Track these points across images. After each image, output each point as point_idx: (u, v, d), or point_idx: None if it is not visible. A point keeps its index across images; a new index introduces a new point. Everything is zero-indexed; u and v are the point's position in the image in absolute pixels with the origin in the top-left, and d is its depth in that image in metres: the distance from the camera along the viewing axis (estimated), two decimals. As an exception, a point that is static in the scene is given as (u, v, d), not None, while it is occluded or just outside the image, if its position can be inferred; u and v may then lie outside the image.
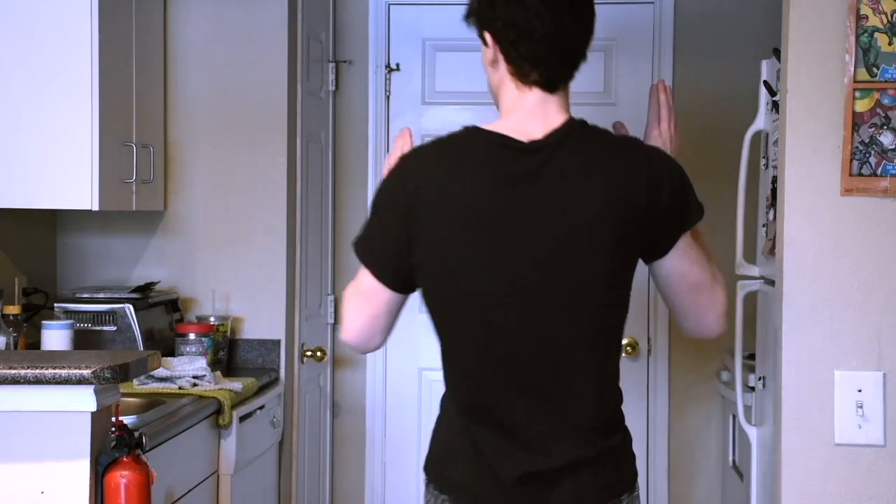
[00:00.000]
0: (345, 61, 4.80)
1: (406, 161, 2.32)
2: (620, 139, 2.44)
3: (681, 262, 2.42)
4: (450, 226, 2.23)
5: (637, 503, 2.34)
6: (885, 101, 2.58)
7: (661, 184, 2.38)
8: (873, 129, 2.58)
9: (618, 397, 2.33)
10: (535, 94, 2.41)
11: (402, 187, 2.27)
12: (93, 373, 2.52)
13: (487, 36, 2.34)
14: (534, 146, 2.33)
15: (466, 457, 2.29)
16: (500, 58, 2.37)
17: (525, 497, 2.25)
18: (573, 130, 2.41)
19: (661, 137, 2.59)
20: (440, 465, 2.35)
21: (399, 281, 2.32)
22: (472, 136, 2.35)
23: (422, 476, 2.39)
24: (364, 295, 2.33)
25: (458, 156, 2.33)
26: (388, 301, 2.34)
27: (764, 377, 3.20)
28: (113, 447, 2.66)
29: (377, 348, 2.42)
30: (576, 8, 2.39)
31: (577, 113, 5.13)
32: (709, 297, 2.38)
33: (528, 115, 2.39)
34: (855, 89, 2.58)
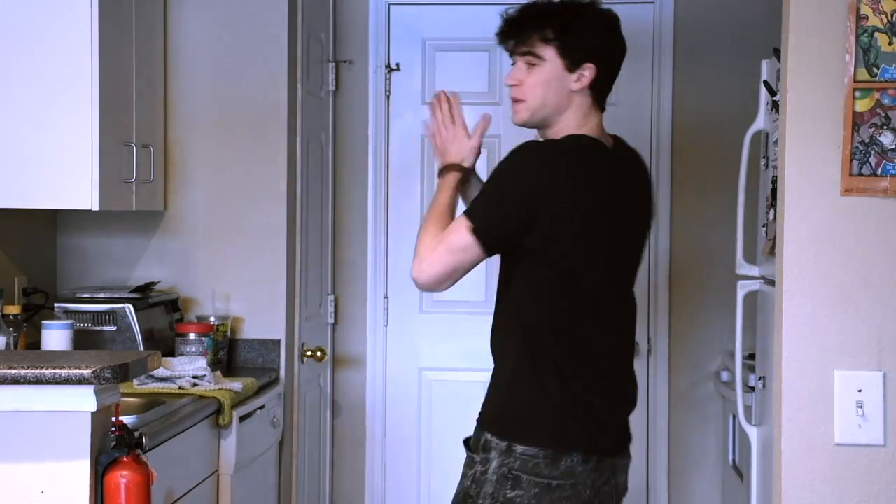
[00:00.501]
0: (345, 61, 4.80)
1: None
2: (631, 151, 2.93)
3: None
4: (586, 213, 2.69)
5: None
6: (885, 101, 2.58)
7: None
8: (873, 129, 2.58)
9: None
10: (600, 115, 2.84)
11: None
12: (93, 373, 2.52)
13: (590, 65, 2.76)
14: (616, 153, 2.84)
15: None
16: (588, 83, 2.77)
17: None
18: (620, 143, 2.90)
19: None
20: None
21: (498, 249, 2.73)
22: (588, 141, 2.77)
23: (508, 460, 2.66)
24: (461, 250, 2.67)
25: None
26: (477, 260, 2.71)
27: (764, 377, 3.20)
28: (113, 447, 2.66)
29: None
30: None
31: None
32: None
33: (601, 130, 2.82)
34: (855, 89, 2.58)
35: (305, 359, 4.47)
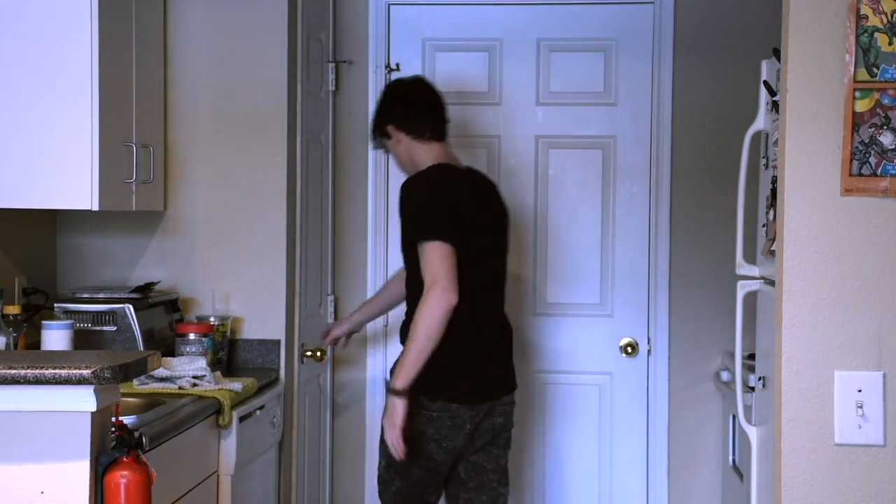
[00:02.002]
0: (345, 61, 4.80)
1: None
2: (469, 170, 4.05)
3: None
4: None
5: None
6: (885, 101, 2.58)
7: None
8: (873, 129, 2.58)
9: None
10: (439, 145, 3.93)
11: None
12: (93, 373, 2.52)
13: (391, 126, 3.92)
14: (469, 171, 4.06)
15: None
16: (404, 136, 3.91)
17: None
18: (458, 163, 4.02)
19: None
20: None
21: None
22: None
23: None
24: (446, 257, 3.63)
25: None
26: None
27: (764, 377, 3.20)
28: (113, 447, 2.66)
29: None
30: None
31: (577, 113, 5.16)
32: None
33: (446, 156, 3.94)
34: (855, 89, 2.58)
35: (305, 359, 4.47)
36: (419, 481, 3.74)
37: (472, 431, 3.72)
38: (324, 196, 4.73)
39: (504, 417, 3.82)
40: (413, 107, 3.88)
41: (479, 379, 3.73)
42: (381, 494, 3.81)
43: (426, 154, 3.84)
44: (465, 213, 3.68)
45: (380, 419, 4.77)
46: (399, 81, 4.05)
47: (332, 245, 4.80)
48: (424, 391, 3.62)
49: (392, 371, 3.69)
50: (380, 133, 3.91)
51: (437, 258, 3.56)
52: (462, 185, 3.78)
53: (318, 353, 4.50)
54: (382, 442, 3.72)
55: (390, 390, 3.62)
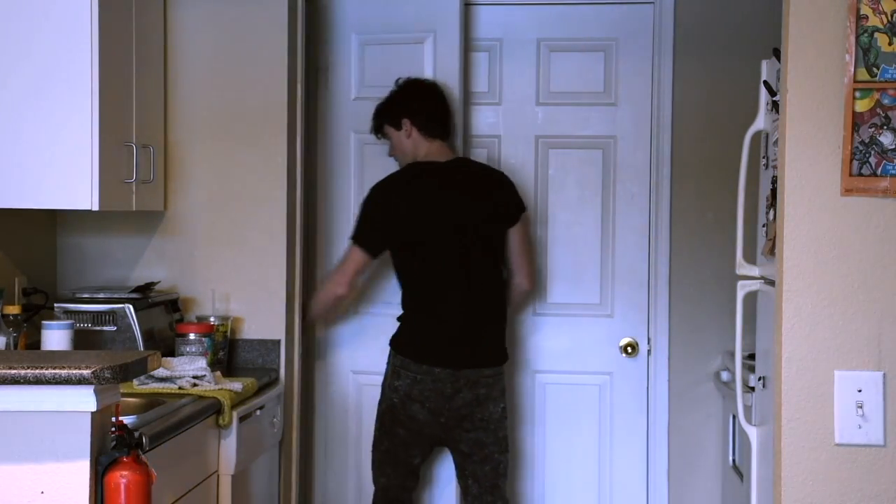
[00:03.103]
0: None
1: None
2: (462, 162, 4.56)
3: None
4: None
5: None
6: (885, 101, 2.58)
7: None
8: (873, 129, 2.58)
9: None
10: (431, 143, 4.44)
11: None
12: (93, 373, 2.52)
13: (406, 119, 4.40)
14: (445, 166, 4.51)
15: None
16: (411, 129, 4.41)
17: None
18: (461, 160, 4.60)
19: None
20: None
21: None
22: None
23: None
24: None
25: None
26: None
27: (764, 377, 3.20)
28: (113, 447, 2.66)
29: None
30: None
31: (577, 113, 5.15)
32: None
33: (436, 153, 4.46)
34: (855, 89, 2.58)
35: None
36: (404, 442, 4.28)
37: (451, 395, 4.22)
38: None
39: (487, 389, 4.27)
40: (428, 105, 4.40)
41: (454, 348, 4.24)
42: (373, 454, 4.37)
43: (426, 151, 4.36)
44: (411, 219, 4.26)
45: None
46: (416, 81, 4.48)
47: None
48: (411, 355, 4.24)
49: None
50: (391, 123, 4.39)
51: (345, 258, 4.35)
52: (419, 189, 4.30)
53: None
54: (377, 405, 4.33)
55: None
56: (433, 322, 4.28)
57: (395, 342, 4.32)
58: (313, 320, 4.57)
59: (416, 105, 4.37)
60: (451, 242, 4.26)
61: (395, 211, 4.27)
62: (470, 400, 4.24)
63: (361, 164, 4.75)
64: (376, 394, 4.39)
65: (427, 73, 4.57)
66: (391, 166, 4.55)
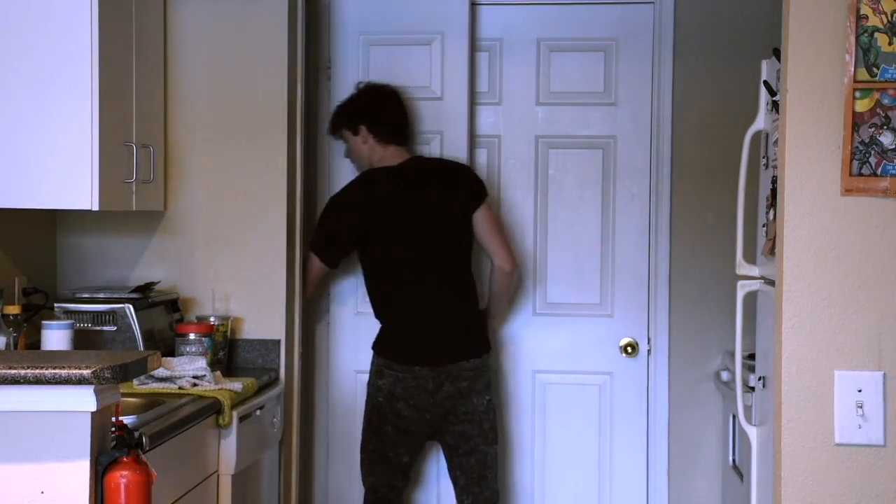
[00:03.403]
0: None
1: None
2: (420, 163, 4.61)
3: None
4: None
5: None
6: (885, 101, 2.58)
7: None
8: (873, 129, 2.58)
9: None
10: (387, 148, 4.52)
11: None
12: (93, 373, 2.52)
13: (361, 126, 4.48)
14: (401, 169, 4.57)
15: None
16: (368, 135, 4.49)
17: None
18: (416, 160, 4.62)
19: None
20: None
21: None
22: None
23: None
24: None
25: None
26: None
27: (764, 377, 3.20)
28: (113, 447, 2.66)
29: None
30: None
31: (577, 113, 5.16)
32: None
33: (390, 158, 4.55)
34: (855, 89, 2.58)
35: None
36: (392, 440, 4.34)
37: (434, 390, 4.30)
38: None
39: (470, 381, 4.35)
40: (385, 113, 4.48)
41: (431, 345, 4.34)
42: (361, 453, 4.44)
43: (381, 157, 4.45)
44: (369, 226, 4.36)
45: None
46: (377, 87, 4.55)
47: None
48: (390, 356, 4.34)
49: None
50: (348, 128, 4.49)
51: (308, 263, 4.45)
52: (373, 196, 4.38)
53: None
54: (364, 408, 4.42)
55: None
56: (406, 322, 4.38)
57: (374, 344, 4.43)
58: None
59: (374, 113, 4.45)
60: (413, 241, 4.35)
61: (351, 223, 4.38)
62: (452, 393, 4.32)
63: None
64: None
65: (434, 75, 4.60)
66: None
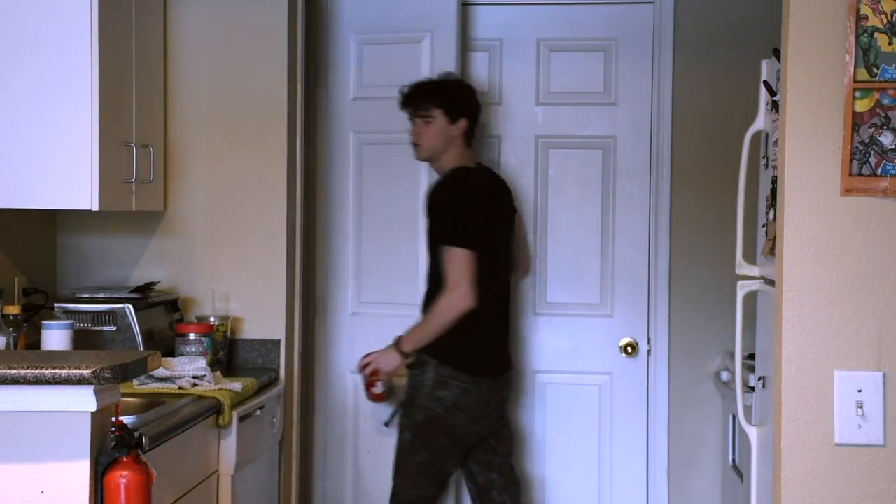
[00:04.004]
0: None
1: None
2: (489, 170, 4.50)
3: None
4: None
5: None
6: (885, 101, 2.58)
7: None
8: (873, 129, 2.58)
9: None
10: (471, 150, 4.37)
11: None
12: (93, 373, 2.52)
13: (463, 119, 4.26)
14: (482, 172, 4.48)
15: None
16: (462, 132, 4.28)
17: None
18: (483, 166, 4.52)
19: None
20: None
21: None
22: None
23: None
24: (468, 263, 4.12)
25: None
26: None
27: (764, 377, 3.20)
28: (113, 447, 2.66)
29: None
30: None
31: (577, 113, 5.16)
32: None
33: (472, 160, 4.38)
34: (855, 89, 2.58)
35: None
36: (443, 451, 4.17)
37: (487, 401, 4.18)
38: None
39: (507, 391, 4.35)
40: (477, 112, 4.33)
41: (497, 357, 4.27)
42: (402, 466, 4.18)
43: (459, 155, 4.26)
44: (486, 216, 4.16)
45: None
46: (472, 87, 4.42)
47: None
48: (461, 366, 4.11)
49: (404, 335, 4.17)
50: (448, 111, 4.22)
51: (459, 263, 4.05)
52: (483, 189, 4.24)
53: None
54: (405, 416, 4.17)
55: (398, 347, 4.15)
56: (487, 332, 4.22)
57: (442, 352, 4.12)
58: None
59: (476, 113, 4.32)
60: (500, 250, 4.29)
61: (482, 213, 4.17)
62: (499, 403, 4.27)
63: (360, 163, 4.75)
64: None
65: (424, 73, 4.57)
66: (393, 166, 4.55)
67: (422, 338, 4.12)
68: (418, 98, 4.27)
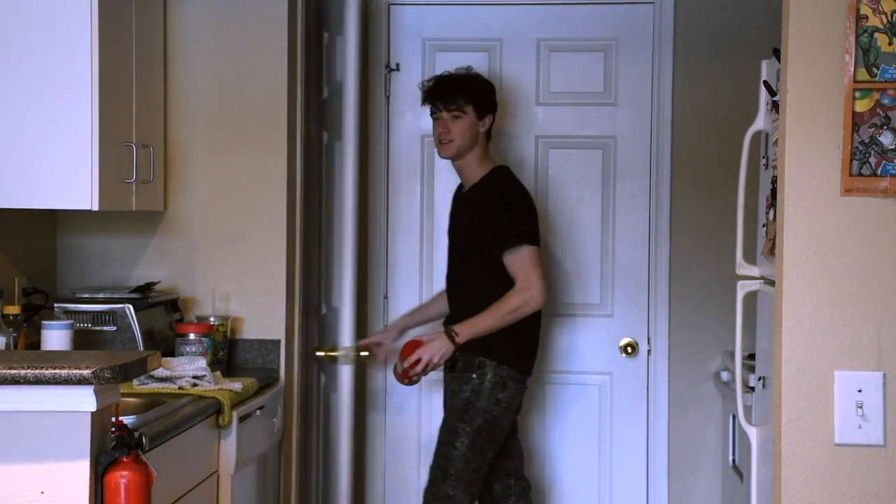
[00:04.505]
0: None
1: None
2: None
3: None
4: None
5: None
6: (885, 101, 2.58)
7: None
8: (873, 129, 2.58)
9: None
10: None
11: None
12: (93, 373, 2.52)
13: (490, 115, 4.23)
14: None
15: None
16: (489, 128, 4.23)
17: None
18: None
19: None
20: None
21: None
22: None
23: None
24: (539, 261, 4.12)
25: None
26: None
27: (764, 377, 3.20)
28: (113, 447, 2.66)
29: None
30: None
31: (577, 113, 5.17)
32: None
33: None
34: (855, 89, 2.58)
35: (318, 358, 4.48)
36: (492, 455, 4.12)
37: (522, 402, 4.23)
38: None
39: None
40: (496, 108, 4.31)
41: (536, 355, 4.26)
42: (460, 474, 4.02)
43: (483, 151, 4.23)
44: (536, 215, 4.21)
45: (380, 418, 4.80)
46: (489, 80, 4.36)
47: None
48: (517, 366, 4.09)
49: (460, 326, 4.06)
50: (480, 107, 4.17)
51: (533, 261, 4.05)
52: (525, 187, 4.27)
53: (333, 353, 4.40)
54: (460, 421, 4.03)
55: (453, 338, 4.05)
56: (537, 329, 4.23)
57: (499, 353, 4.09)
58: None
59: (496, 107, 4.30)
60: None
61: (535, 210, 4.22)
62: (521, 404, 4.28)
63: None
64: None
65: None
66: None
67: (480, 331, 4.04)
68: (450, 92, 4.18)
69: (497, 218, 4.08)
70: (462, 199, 4.30)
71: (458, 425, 4.04)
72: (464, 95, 4.16)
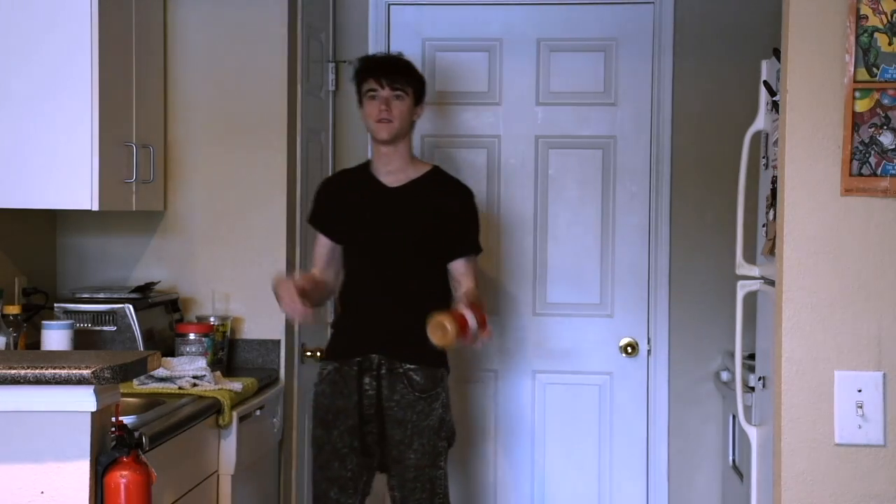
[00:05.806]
0: (345, 61, 4.80)
1: None
2: None
3: None
4: None
5: None
6: (885, 101, 2.58)
7: None
8: (873, 129, 2.58)
9: None
10: None
11: None
12: (93, 373, 2.52)
13: (422, 104, 3.95)
14: None
15: None
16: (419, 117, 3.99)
17: None
18: None
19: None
20: None
21: None
22: None
23: None
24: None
25: None
26: None
27: (764, 377, 3.20)
28: (113, 447, 2.66)
29: None
30: None
31: (577, 113, 5.16)
32: None
33: None
34: (855, 89, 2.58)
35: (305, 359, 4.47)
36: None
37: None
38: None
39: None
40: None
41: None
42: (446, 491, 3.85)
43: (410, 142, 3.96)
44: None
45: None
46: None
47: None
48: (447, 370, 3.92)
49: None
50: (418, 92, 3.90)
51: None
52: None
53: (319, 353, 4.48)
54: (441, 444, 3.83)
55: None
56: None
57: (445, 358, 3.93)
58: None
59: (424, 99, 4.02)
60: None
61: None
62: None
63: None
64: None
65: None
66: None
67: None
68: (395, 69, 3.89)
69: (467, 221, 3.91)
70: (398, 192, 3.89)
71: (438, 444, 3.82)
72: (406, 77, 3.88)
